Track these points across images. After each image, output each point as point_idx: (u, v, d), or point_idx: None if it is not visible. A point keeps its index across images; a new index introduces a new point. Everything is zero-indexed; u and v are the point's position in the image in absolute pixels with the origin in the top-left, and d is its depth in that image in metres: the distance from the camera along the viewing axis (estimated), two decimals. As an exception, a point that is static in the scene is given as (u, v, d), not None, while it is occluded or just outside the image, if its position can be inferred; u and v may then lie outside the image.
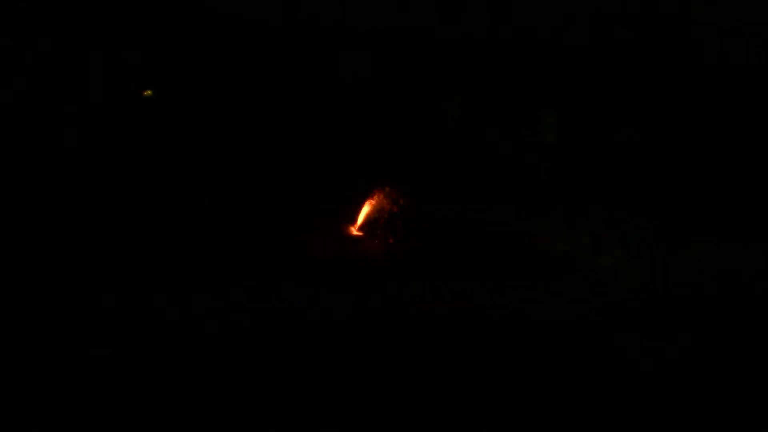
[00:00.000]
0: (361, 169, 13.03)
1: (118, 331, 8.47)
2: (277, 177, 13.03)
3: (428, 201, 12.71)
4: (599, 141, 13.06)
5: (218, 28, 12.88)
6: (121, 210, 12.65)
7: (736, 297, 10.19)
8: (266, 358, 8.04)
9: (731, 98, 12.65)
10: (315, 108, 13.10)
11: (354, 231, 12.43)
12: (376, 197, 12.42)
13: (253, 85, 13.10)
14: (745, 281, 10.77)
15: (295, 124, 13.10)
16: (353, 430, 6.87)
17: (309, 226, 12.37)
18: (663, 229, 12.21)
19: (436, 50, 12.93)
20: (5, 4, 12.44)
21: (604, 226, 12.34)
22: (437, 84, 13.13)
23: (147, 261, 10.76)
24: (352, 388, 7.51)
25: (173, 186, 12.88)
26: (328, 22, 12.87)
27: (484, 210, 12.74)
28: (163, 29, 12.71)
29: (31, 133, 12.74)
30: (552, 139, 12.97)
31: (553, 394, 7.50)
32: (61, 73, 12.61)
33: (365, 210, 12.42)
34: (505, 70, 13.00)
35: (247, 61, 13.07)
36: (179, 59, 12.96)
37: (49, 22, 12.43)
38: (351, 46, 13.03)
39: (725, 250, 11.82)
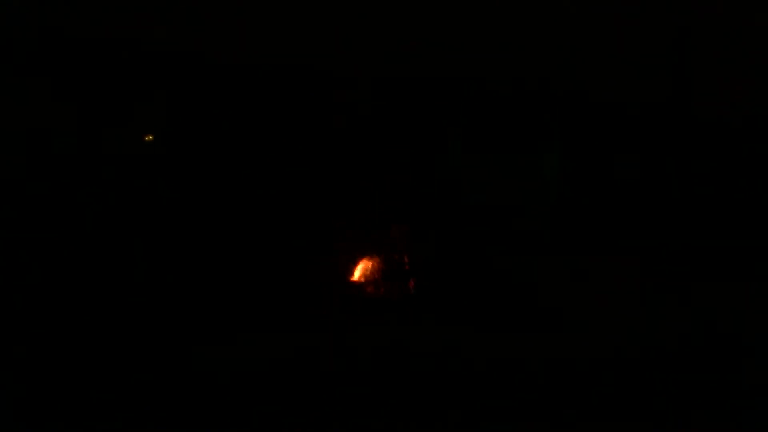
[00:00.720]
0: (358, 212, 13.04)
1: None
2: (272, 219, 12.99)
3: (429, 244, 12.73)
4: (602, 185, 13.19)
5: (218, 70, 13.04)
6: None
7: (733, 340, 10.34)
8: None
9: (733, 145, 12.91)
10: (312, 149, 13.15)
11: (352, 277, 12.41)
12: (374, 242, 12.45)
13: (247, 128, 13.17)
14: (743, 325, 10.85)
15: (294, 166, 13.13)
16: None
17: (304, 272, 12.31)
18: (665, 274, 12.25)
19: (437, 92, 13.12)
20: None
21: (607, 272, 12.34)
22: (439, 126, 13.26)
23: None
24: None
25: (165, 237, 12.76)
26: (327, 64, 13.03)
27: (485, 254, 12.73)
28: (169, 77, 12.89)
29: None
30: (554, 182, 13.10)
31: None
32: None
33: (363, 256, 12.42)
34: (508, 111, 13.18)
35: (242, 103, 13.17)
36: (183, 106, 13.05)
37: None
38: (349, 86, 13.16)
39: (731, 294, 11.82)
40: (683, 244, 12.60)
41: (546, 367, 9.41)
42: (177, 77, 12.78)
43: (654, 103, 12.73)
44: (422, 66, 12.74)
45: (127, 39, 12.62)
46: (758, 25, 12.24)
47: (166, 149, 12.69)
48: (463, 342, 10.29)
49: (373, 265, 12.33)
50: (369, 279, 12.28)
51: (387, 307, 11.92)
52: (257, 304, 11.35)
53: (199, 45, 12.74)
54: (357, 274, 12.34)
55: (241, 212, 12.47)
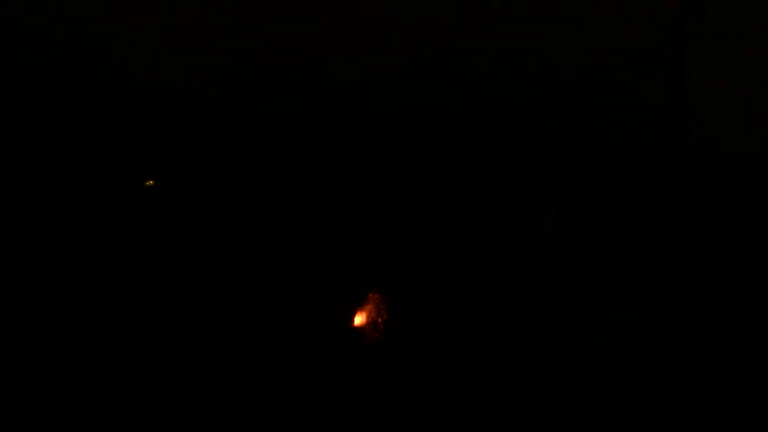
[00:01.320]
0: (354, 261, 13.02)
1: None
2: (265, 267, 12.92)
3: (426, 292, 12.68)
4: (599, 227, 13.28)
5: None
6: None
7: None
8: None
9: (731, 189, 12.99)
10: (307, 197, 13.17)
11: (350, 325, 12.34)
12: (371, 289, 12.42)
13: (239, 176, 13.18)
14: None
15: (288, 215, 13.12)
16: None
17: (301, 322, 12.32)
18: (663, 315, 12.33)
19: (434, 140, 13.21)
20: None
21: (607, 312, 12.42)
22: (436, 173, 13.34)
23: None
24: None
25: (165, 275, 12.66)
26: (326, 113, 13.10)
27: (484, 300, 12.77)
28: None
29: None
30: (551, 226, 13.19)
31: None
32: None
33: (360, 304, 12.39)
34: (504, 158, 13.28)
35: (235, 150, 13.20)
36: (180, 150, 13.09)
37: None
38: (347, 134, 13.23)
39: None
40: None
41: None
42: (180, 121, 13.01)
43: (651, 142, 12.82)
44: (423, 116, 12.87)
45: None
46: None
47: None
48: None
49: (371, 310, 12.33)
50: (368, 324, 12.29)
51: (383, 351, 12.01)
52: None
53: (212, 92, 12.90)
54: (357, 320, 12.33)
55: (243, 258, 12.53)
